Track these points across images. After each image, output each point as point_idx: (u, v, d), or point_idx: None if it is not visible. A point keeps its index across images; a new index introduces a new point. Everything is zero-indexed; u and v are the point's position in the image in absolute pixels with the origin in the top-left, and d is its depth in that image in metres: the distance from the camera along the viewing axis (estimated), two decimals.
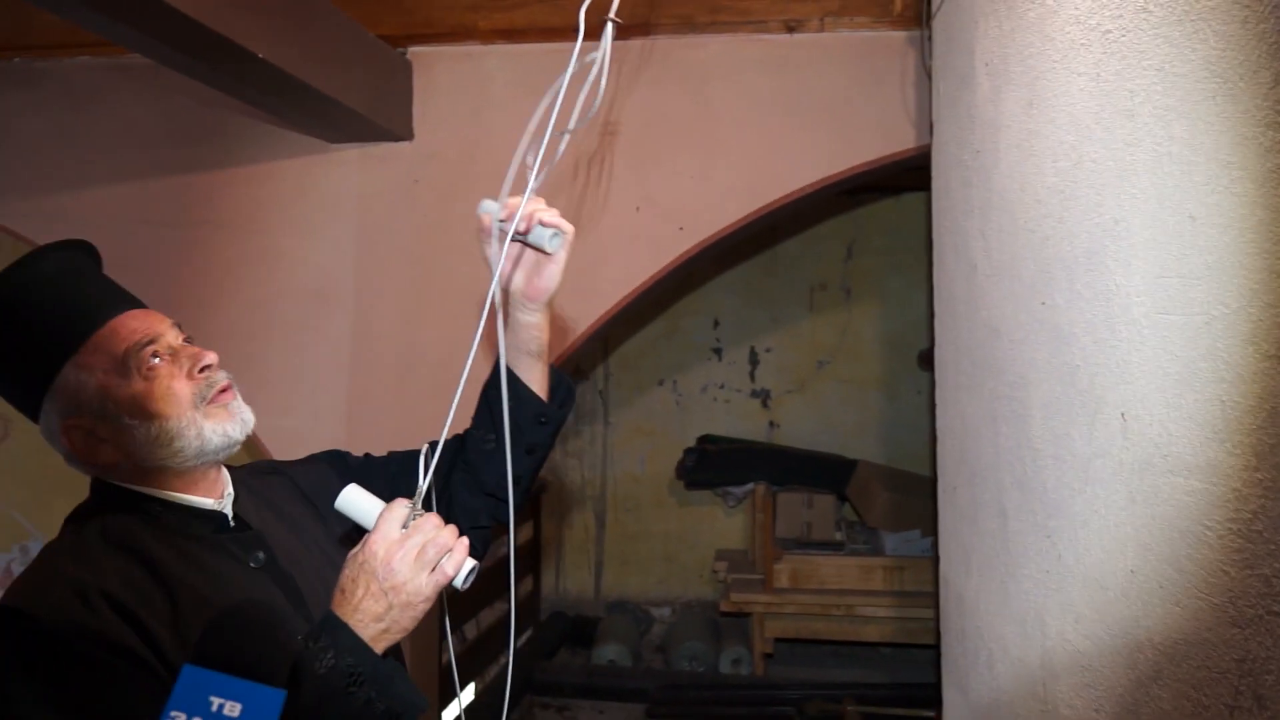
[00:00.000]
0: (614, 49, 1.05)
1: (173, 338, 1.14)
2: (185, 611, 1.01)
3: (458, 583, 1.02)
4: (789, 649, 4.99)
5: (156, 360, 1.10)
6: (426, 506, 1.04)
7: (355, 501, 1.04)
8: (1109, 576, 1.19)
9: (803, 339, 5.54)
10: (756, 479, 5.12)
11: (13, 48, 3.08)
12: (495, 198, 1.12)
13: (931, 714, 3.06)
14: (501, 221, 1.13)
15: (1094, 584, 1.24)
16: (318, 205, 3.09)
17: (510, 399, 1.25)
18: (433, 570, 0.99)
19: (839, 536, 4.91)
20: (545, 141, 1.04)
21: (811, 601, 4.55)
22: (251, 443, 2.70)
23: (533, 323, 1.24)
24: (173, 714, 0.67)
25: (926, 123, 2.47)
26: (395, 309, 3.05)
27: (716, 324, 5.61)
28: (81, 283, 1.12)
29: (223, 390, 1.14)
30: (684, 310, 5.61)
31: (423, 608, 0.99)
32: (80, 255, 1.16)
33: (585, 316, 3.02)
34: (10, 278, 1.10)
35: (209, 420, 1.11)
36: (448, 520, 1.08)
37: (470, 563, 1.02)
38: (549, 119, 1.03)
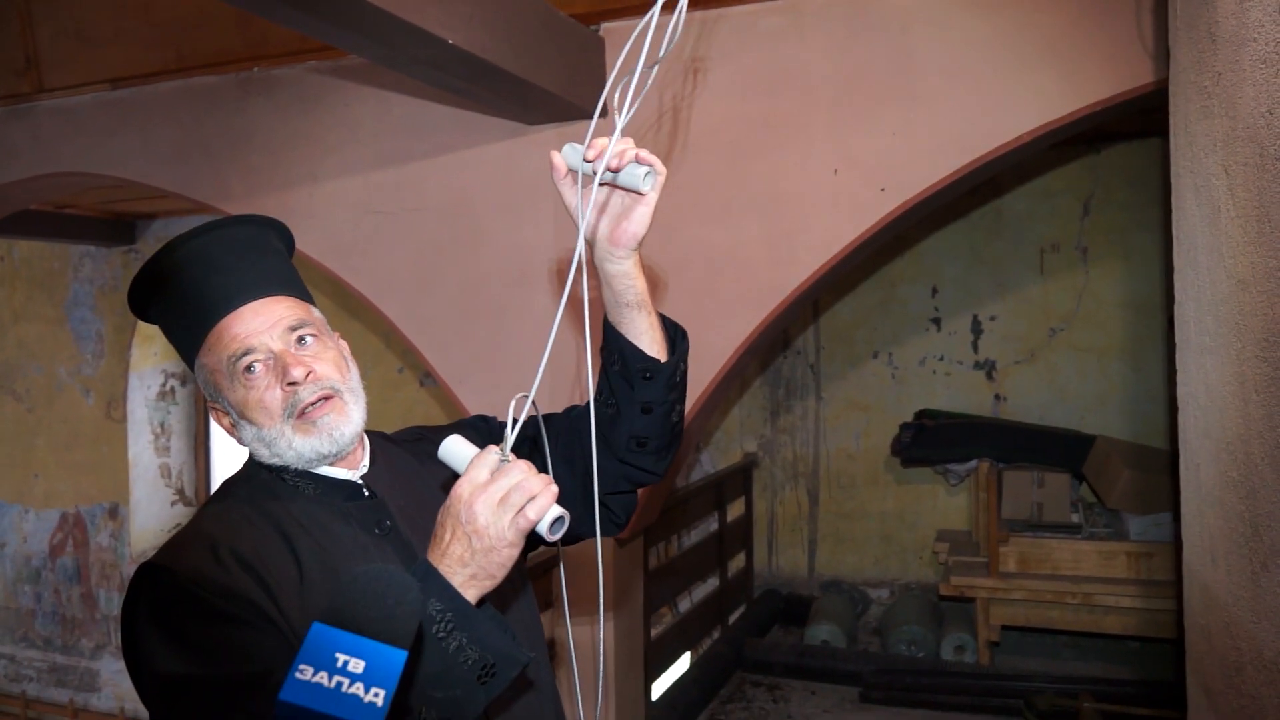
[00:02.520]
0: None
1: (278, 341, 1.15)
2: (309, 574, 1.08)
3: (541, 529, 0.98)
4: (1019, 638, 4.68)
5: (252, 372, 1.14)
6: (528, 461, 1.02)
7: (453, 450, 1.04)
8: None
9: (1032, 305, 5.14)
10: (980, 455, 4.82)
11: (253, 58, 3.39)
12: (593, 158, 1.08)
13: (1179, 716, 2.74)
14: (589, 162, 1.07)
15: None
16: (518, 187, 3.18)
17: (615, 356, 1.21)
18: (516, 514, 0.96)
19: (1075, 519, 4.54)
20: (635, 81, 1.00)
21: (1043, 588, 4.24)
22: (461, 415, 2.83)
23: (623, 271, 1.16)
24: (301, 667, 0.71)
25: (1165, 54, 2.17)
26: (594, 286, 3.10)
27: (935, 291, 5.31)
28: (210, 272, 1.16)
29: (314, 403, 1.14)
30: (898, 277, 5.35)
31: (507, 553, 0.97)
32: (233, 232, 1.20)
33: (783, 286, 2.93)
34: (158, 261, 1.17)
35: (297, 435, 1.14)
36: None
37: (556, 510, 0.99)
38: (638, 54, 1.00)
